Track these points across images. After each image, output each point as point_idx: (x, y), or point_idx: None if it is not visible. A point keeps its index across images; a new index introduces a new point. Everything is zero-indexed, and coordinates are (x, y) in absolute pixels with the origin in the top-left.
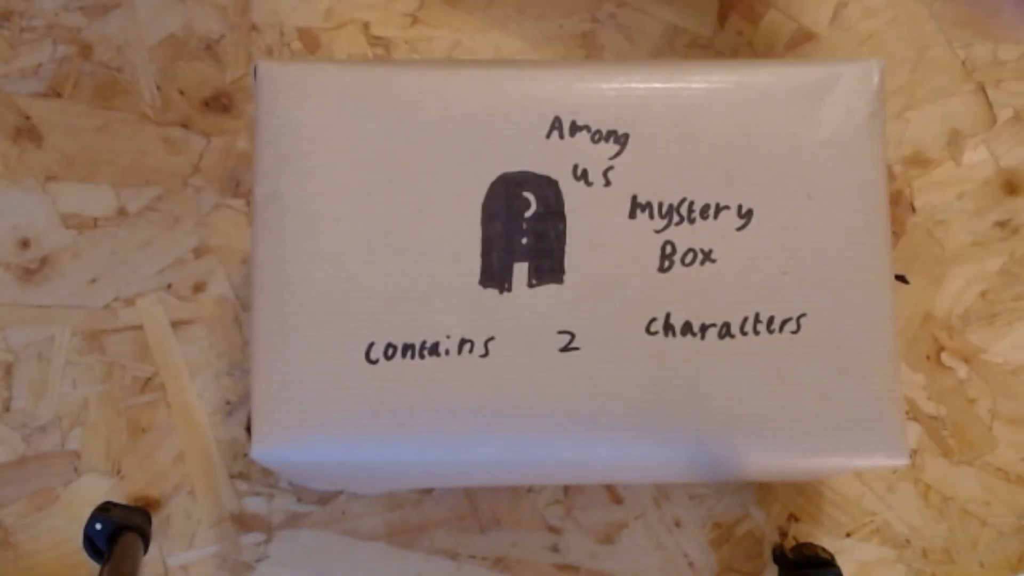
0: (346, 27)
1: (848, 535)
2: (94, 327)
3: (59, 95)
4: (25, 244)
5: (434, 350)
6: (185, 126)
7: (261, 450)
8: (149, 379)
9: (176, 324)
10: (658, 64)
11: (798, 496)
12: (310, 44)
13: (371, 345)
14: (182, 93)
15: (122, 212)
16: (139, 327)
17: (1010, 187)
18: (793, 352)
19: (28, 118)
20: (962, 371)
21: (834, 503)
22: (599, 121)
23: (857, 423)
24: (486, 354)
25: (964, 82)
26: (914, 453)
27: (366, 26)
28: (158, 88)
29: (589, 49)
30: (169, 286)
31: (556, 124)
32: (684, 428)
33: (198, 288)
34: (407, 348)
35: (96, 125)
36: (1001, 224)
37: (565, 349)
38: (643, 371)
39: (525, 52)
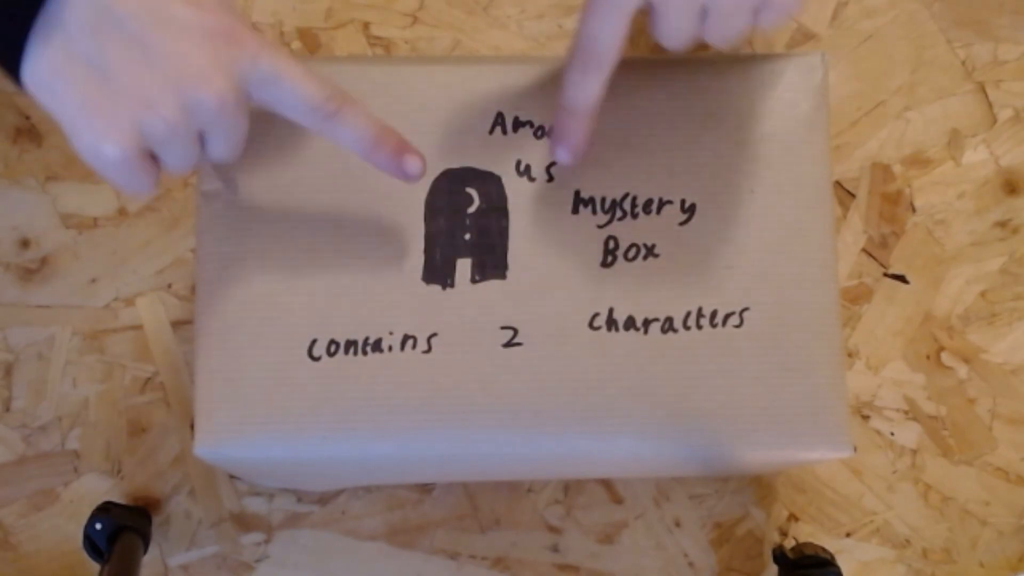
0: (346, 27)
1: (848, 535)
2: (94, 327)
3: None
4: (25, 244)
5: (377, 346)
6: None
7: (203, 448)
8: (149, 379)
9: (176, 324)
10: None
11: (798, 496)
12: (310, 44)
13: (314, 342)
14: None
15: (122, 212)
16: (139, 327)
17: (1010, 187)
18: (736, 346)
19: (28, 118)
20: (962, 371)
21: (834, 503)
22: (542, 117)
23: (801, 416)
24: (429, 350)
25: (964, 82)
26: (914, 453)
27: (366, 26)
28: None
29: None
30: (169, 286)
31: (499, 120)
32: (628, 423)
33: None
34: (350, 345)
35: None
36: (1001, 224)
37: (508, 344)
38: (586, 366)
39: (525, 52)
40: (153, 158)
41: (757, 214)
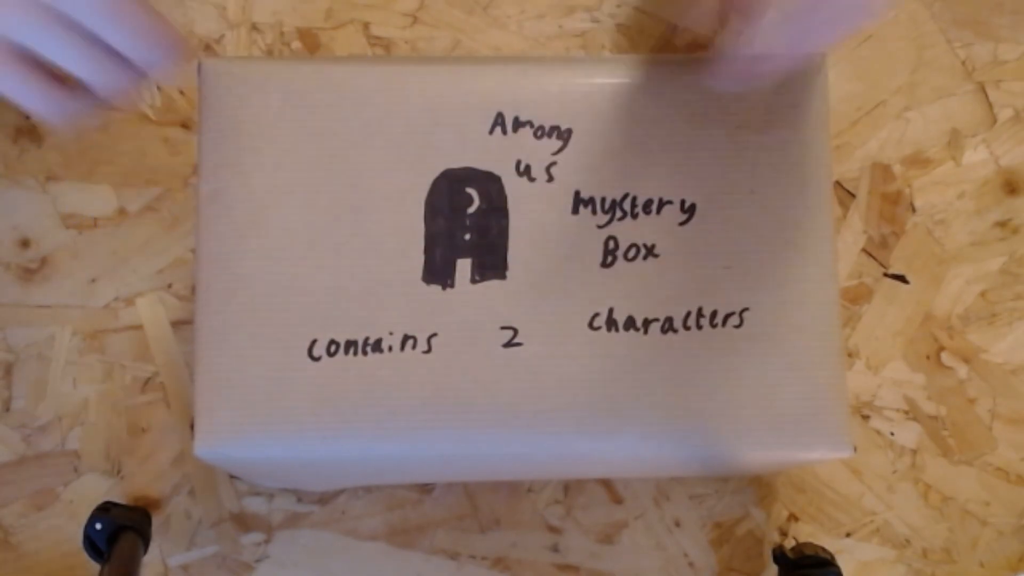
0: (346, 27)
1: (848, 535)
2: (94, 327)
3: None
4: (25, 244)
5: (377, 346)
6: (185, 126)
7: (203, 448)
8: (149, 379)
9: (176, 324)
10: (601, 59)
11: (798, 496)
12: (310, 44)
13: (314, 342)
14: (182, 93)
15: (122, 212)
16: (139, 327)
17: (1010, 187)
18: (736, 346)
19: (28, 118)
20: (962, 371)
21: (834, 503)
22: (542, 117)
23: (801, 417)
24: (429, 350)
25: (964, 82)
26: (914, 453)
27: (366, 26)
28: (158, 88)
29: (589, 49)
30: (169, 286)
31: (499, 120)
32: (628, 423)
33: None
34: (350, 345)
35: (96, 125)
36: (1001, 224)
37: (508, 344)
38: (586, 366)
39: (525, 52)
40: (52, 73)
41: (757, 214)
